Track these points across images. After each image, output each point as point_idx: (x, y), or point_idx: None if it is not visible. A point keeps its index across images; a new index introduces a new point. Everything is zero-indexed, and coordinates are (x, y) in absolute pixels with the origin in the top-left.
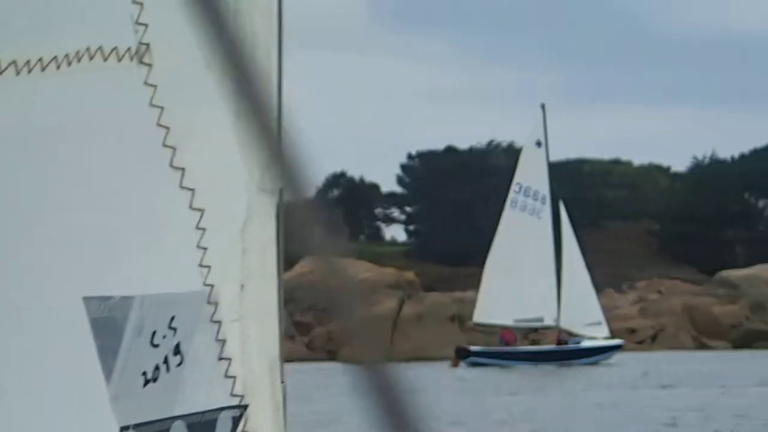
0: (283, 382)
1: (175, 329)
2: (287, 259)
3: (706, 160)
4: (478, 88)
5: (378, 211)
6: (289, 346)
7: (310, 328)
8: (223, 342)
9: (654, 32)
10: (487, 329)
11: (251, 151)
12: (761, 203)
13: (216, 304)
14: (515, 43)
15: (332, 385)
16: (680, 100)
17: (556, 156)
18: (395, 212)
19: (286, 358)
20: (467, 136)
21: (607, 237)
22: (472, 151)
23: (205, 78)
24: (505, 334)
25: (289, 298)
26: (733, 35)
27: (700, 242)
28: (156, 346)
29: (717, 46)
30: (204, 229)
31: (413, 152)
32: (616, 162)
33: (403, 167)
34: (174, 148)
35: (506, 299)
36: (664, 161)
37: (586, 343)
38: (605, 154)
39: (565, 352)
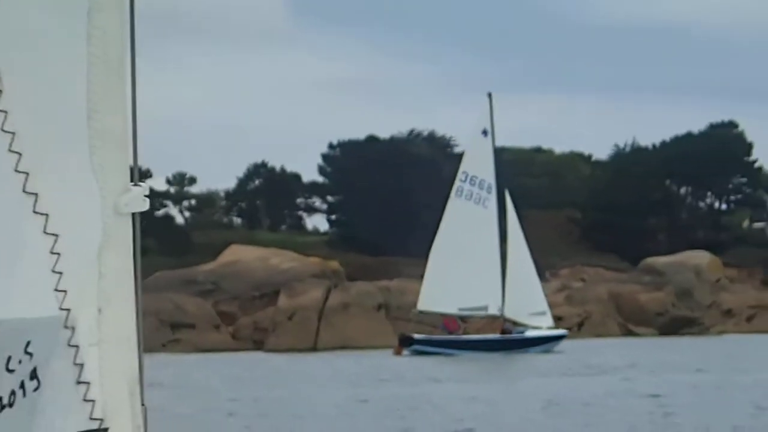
0: (143, 404)
1: (31, 354)
2: (212, 249)
3: (627, 148)
4: (399, 79)
5: (300, 201)
6: (214, 336)
7: (235, 318)
8: (81, 366)
9: (574, 22)
10: (418, 318)
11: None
12: (682, 190)
13: (73, 328)
14: (432, 35)
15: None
16: (601, 89)
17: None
18: (317, 202)
19: (213, 347)
20: (388, 126)
21: (529, 225)
22: (393, 141)
23: (57, 103)
24: (447, 322)
25: (214, 289)
26: (655, 25)
27: (622, 230)
28: (11, 371)
29: (638, 35)
30: (59, 254)
31: (334, 142)
32: (538, 150)
33: (325, 157)
34: (27, 174)
35: (451, 288)
36: (585, 149)
37: (530, 333)
38: (526, 142)
39: (509, 341)
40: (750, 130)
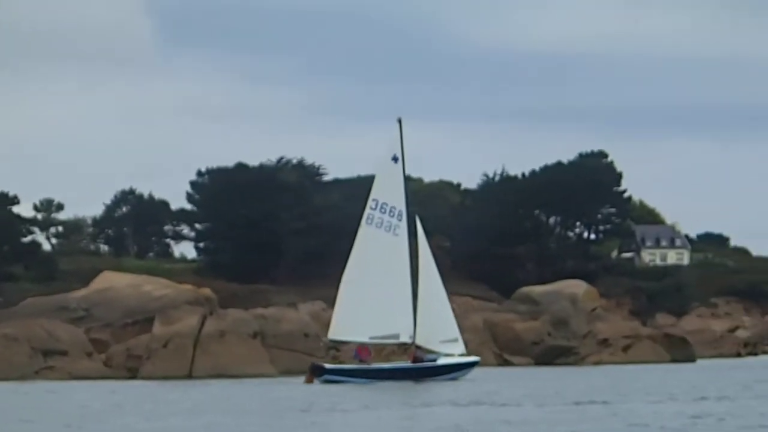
0: None
1: None
2: (80, 276)
3: (497, 177)
4: (268, 106)
5: (167, 228)
6: (86, 363)
7: (108, 345)
8: None
9: (444, 51)
10: (293, 346)
11: None
12: (552, 220)
13: None
14: (302, 62)
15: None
16: (471, 118)
17: (346, 173)
18: (185, 229)
19: (86, 375)
20: (258, 153)
21: None
22: (262, 168)
23: None
24: (360, 350)
25: (86, 315)
26: (523, 56)
27: (491, 259)
28: None
29: (507, 65)
30: None
31: (203, 169)
32: (407, 179)
33: (193, 184)
34: None
35: (362, 316)
36: (454, 178)
37: (442, 360)
38: None
39: (420, 369)
40: (619, 160)
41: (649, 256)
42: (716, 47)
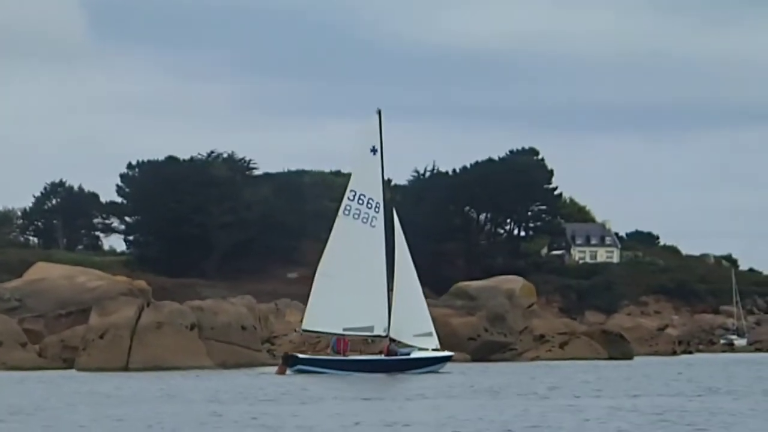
0: None
1: None
2: (8, 268)
3: (427, 174)
4: (199, 100)
5: (97, 221)
6: (20, 354)
7: (41, 336)
8: None
9: (376, 48)
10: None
11: None
12: (482, 217)
13: None
14: (232, 57)
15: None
16: (402, 113)
17: (276, 168)
18: (114, 222)
19: (20, 365)
20: (188, 147)
21: None
22: (193, 162)
23: None
24: (339, 342)
25: (19, 306)
26: (455, 54)
27: (421, 255)
28: None
29: (438, 63)
30: None
31: (133, 162)
32: (337, 174)
33: (123, 177)
34: None
35: (336, 307)
36: (385, 173)
37: (415, 354)
38: (326, 166)
39: (393, 362)
40: (550, 157)
41: (579, 254)
42: (643, 46)
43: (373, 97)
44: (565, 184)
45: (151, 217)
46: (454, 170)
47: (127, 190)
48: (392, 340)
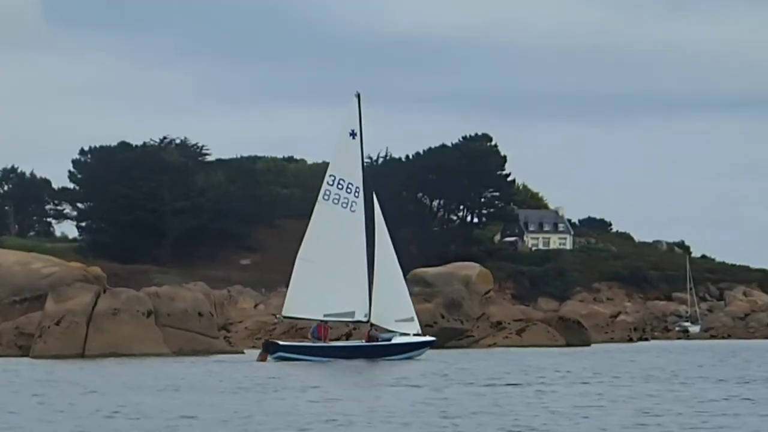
0: None
1: None
2: None
3: (380, 160)
4: (151, 86)
5: (49, 207)
6: None
7: None
8: None
9: (327, 33)
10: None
11: None
12: (435, 203)
13: None
14: (184, 43)
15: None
16: (352, 99)
17: (229, 154)
18: (67, 208)
19: None
20: (141, 133)
21: (281, 235)
22: (145, 148)
23: None
24: (320, 328)
25: None
26: (408, 40)
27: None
28: None
29: (391, 49)
30: None
31: (86, 148)
32: (290, 160)
33: (75, 163)
34: None
35: (316, 293)
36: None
37: (397, 339)
38: (279, 152)
39: (374, 347)
40: (504, 143)
41: (532, 241)
42: (596, 35)
43: (325, 84)
44: (519, 170)
45: (104, 203)
46: (407, 156)
47: (79, 176)
48: (373, 326)
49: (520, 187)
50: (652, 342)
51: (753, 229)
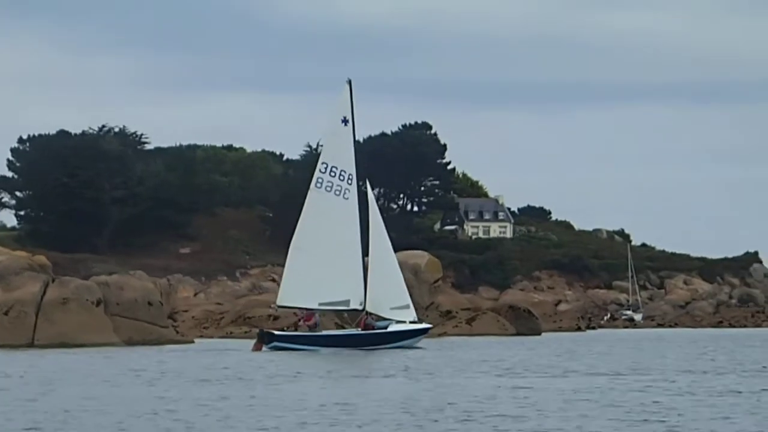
0: None
1: None
2: None
3: (320, 148)
4: (89, 74)
5: None
6: None
7: None
8: None
9: (265, 22)
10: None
11: None
12: (375, 192)
13: None
14: (121, 32)
15: None
16: (293, 88)
17: (168, 142)
18: (5, 197)
19: None
20: (79, 121)
21: (221, 224)
22: (84, 136)
23: None
24: (307, 317)
25: None
26: (347, 28)
27: None
28: None
29: (330, 37)
30: None
31: (24, 136)
32: (229, 148)
33: (14, 151)
34: None
35: (311, 282)
36: (276, 148)
37: (393, 327)
38: (218, 140)
39: (370, 336)
40: (443, 131)
41: (472, 230)
42: (535, 25)
43: (264, 72)
44: (458, 159)
45: (43, 191)
46: None
47: (18, 164)
48: (368, 314)
49: (460, 176)
50: (600, 331)
51: (692, 218)
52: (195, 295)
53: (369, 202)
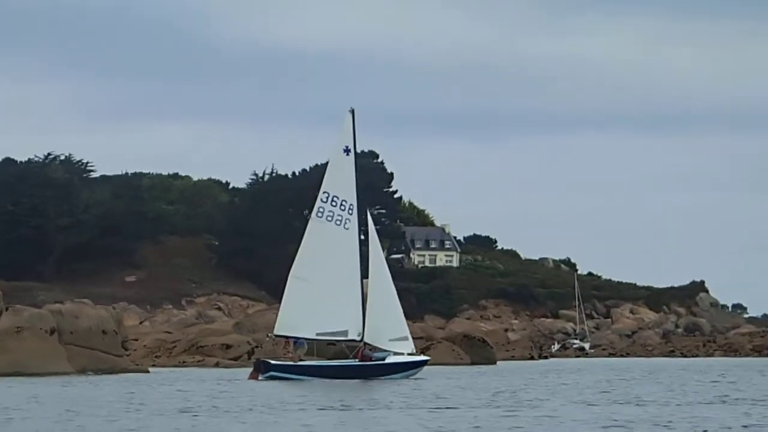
0: None
1: None
2: None
3: (266, 176)
4: (35, 103)
5: None
6: None
7: None
8: None
9: (210, 48)
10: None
11: None
12: None
13: None
14: (60, 58)
15: None
16: (240, 116)
17: (114, 170)
18: None
19: None
20: (25, 149)
21: (167, 252)
22: (30, 164)
23: None
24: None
25: None
26: (293, 56)
27: (260, 258)
28: None
29: (276, 65)
30: None
31: None
32: (175, 177)
33: None
34: None
35: (309, 311)
36: (223, 176)
37: (391, 359)
38: (164, 168)
39: (368, 367)
40: (390, 160)
41: (419, 258)
42: (480, 53)
43: (210, 100)
44: (405, 187)
45: None
46: (293, 173)
47: None
48: (366, 345)
49: (407, 204)
50: (553, 360)
51: (639, 247)
52: (140, 323)
53: (369, 232)
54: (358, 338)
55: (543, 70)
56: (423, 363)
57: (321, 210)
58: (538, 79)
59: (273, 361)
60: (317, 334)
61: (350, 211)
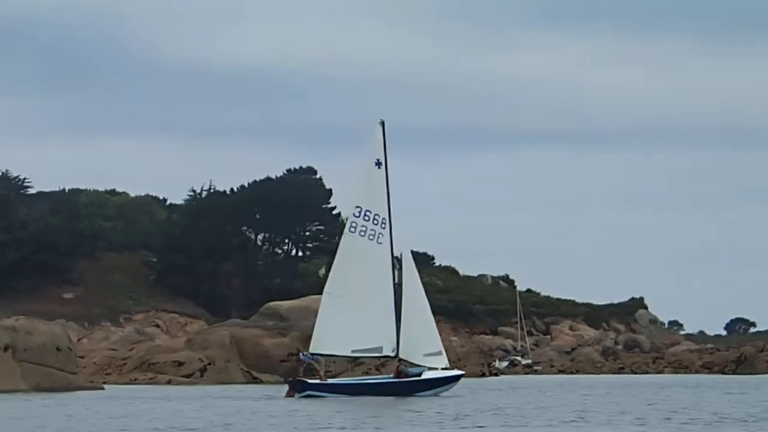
0: None
1: None
2: None
3: (204, 193)
4: None
5: None
6: None
7: None
8: None
9: (148, 63)
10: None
11: None
12: (260, 236)
13: None
14: (10, 71)
15: None
16: (177, 131)
17: (51, 186)
18: None
19: None
20: None
21: (104, 268)
22: None
23: None
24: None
25: None
26: (231, 71)
27: (197, 275)
28: None
29: (213, 81)
30: None
31: None
32: (112, 193)
33: None
34: None
35: (343, 328)
36: (160, 193)
37: (427, 374)
38: (101, 185)
39: (404, 383)
40: (328, 177)
41: None
42: (425, 69)
43: (148, 115)
44: (344, 204)
45: None
46: (231, 189)
47: None
48: (401, 361)
49: (345, 221)
50: (503, 377)
51: (577, 263)
52: (79, 340)
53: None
54: (393, 354)
55: (483, 87)
56: (458, 378)
57: (354, 225)
58: (476, 97)
59: (309, 381)
60: (353, 351)
61: (383, 225)
